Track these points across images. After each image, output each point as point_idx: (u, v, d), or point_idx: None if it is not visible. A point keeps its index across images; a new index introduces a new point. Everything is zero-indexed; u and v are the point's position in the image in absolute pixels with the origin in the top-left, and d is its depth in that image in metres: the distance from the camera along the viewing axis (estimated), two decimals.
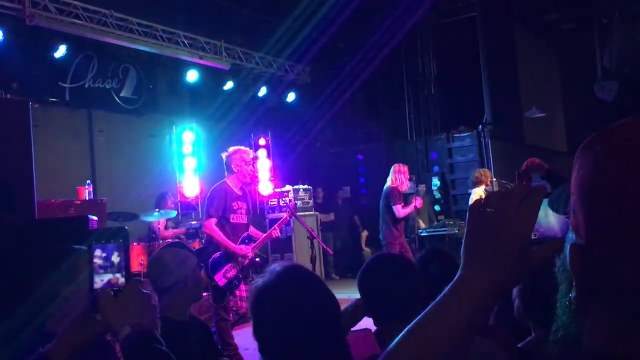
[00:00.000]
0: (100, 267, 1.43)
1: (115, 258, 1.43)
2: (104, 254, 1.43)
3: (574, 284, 0.75)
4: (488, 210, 0.79)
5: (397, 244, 7.29)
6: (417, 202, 7.56)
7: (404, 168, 7.55)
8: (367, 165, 12.31)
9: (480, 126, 11.22)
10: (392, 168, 7.55)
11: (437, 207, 11.10)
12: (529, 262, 0.79)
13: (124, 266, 1.44)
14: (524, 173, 3.45)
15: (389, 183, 7.46)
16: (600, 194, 0.70)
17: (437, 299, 0.79)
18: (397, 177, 7.42)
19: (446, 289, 0.80)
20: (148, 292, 1.47)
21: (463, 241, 0.81)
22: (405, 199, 7.65)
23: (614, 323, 0.71)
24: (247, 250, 5.23)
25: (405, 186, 7.46)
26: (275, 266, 1.59)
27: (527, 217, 0.78)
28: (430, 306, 0.80)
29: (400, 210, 7.29)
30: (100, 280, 1.42)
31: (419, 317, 0.79)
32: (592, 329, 0.74)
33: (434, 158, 11.79)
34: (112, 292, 1.42)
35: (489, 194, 0.83)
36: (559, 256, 0.79)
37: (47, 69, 8.32)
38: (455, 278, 0.80)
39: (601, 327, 0.72)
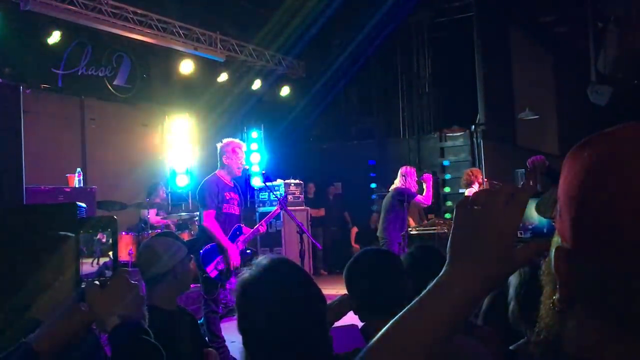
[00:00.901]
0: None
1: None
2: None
3: (557, 286, 0.75)
4: (475, 207, 0.80)
5: (396, 242, 7.34)
6: (429, 179, 7.59)
7: (412, 170, 7.59)
8: (361, 162, 12.27)
9: (473, 126, 11.24)
10: (399, 170, 7.58)
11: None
12: (514, 261, 0.79)
13: (112, 256, 1.44)
14: (532, 171, 3.50)
15: (397, 184, 7.48)
16: (587, 198, 0.71)
17: (422, 293, 0.80)
18: (401, 180, 7.46)
19: (431, 284, 0.80)
20: (135, 282, 1.46)
21: (449, 237, 0.82)
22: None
23: (596, 326, 0.71)
24: (237, 261, 5.17)
25: (414, 187, 7.49)
26: (262, 259, 1.57)
27: (513, 216, 0.78)
28: (414, 301, 0.80)
29: (423, 199, 7.41)
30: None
31: (402, 311, 0.80)
32: (574, 331, 0.74)
33: (447, 165, 11.60)
34: (98, 282, 1.40)
35: (476, 192, 0.84)
36: (542, 256, 0.79)
37: (40, 54, 8.26)
38: (440, 274, 0.80)
39: (583, 329, 0.73)
